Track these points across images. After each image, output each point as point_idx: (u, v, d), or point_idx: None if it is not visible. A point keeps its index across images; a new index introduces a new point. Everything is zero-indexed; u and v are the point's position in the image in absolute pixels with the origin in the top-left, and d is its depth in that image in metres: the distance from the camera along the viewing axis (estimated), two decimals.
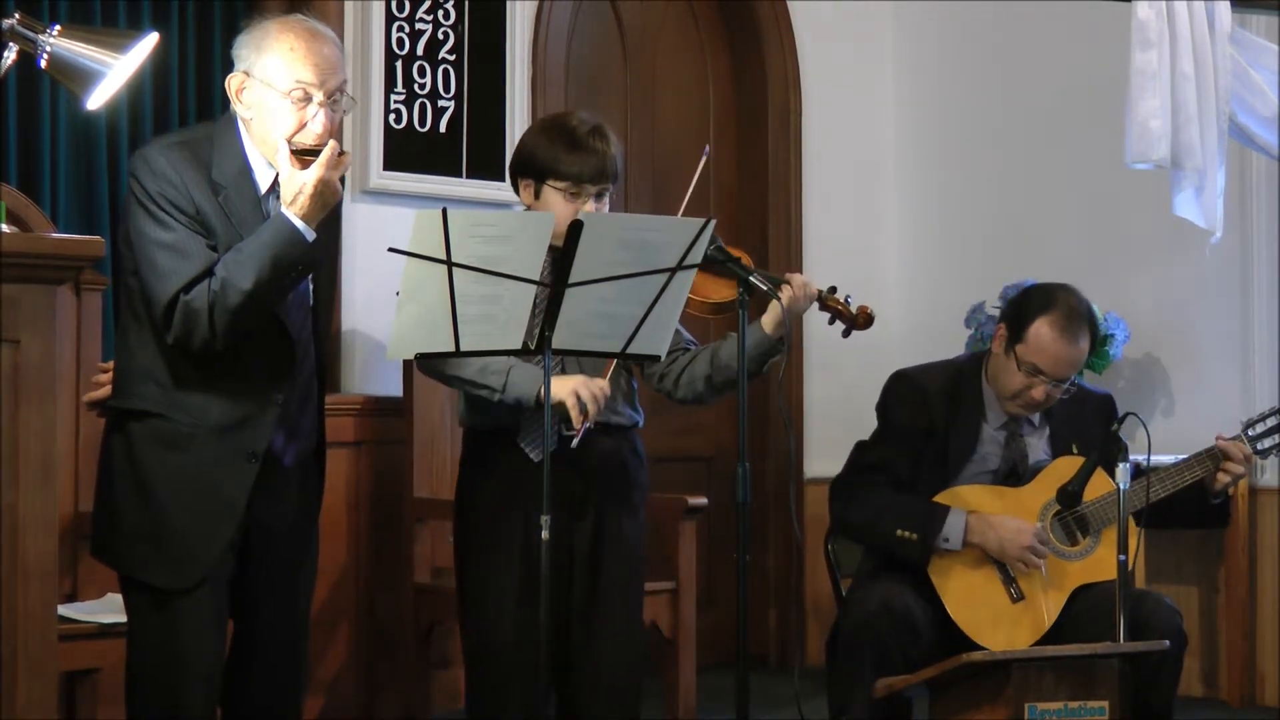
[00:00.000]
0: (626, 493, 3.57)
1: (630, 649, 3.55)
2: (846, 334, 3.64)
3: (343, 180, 3.14)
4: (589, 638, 3.51)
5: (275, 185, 3.16)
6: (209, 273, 3.06)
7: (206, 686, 3.14)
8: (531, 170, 3.53)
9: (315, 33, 3.16)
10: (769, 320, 3.52)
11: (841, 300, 3.61)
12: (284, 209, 3.08)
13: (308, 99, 3.12)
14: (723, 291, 3.49)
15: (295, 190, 3.07)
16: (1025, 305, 4.00)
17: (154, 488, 3.12)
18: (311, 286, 3.25)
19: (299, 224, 3.07)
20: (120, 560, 3.19)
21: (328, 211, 3.13)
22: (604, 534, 3.53)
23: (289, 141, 3.11)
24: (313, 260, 3.14)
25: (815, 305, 3.57)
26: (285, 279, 3.10)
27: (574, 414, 3.36)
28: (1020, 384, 3.95)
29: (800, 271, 4.04)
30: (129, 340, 3.19)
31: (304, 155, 3.10)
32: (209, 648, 3.14)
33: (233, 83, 3.16)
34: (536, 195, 3.52)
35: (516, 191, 3.59)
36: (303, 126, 3.12)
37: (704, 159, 3.61)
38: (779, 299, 3.46)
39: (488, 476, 3.54)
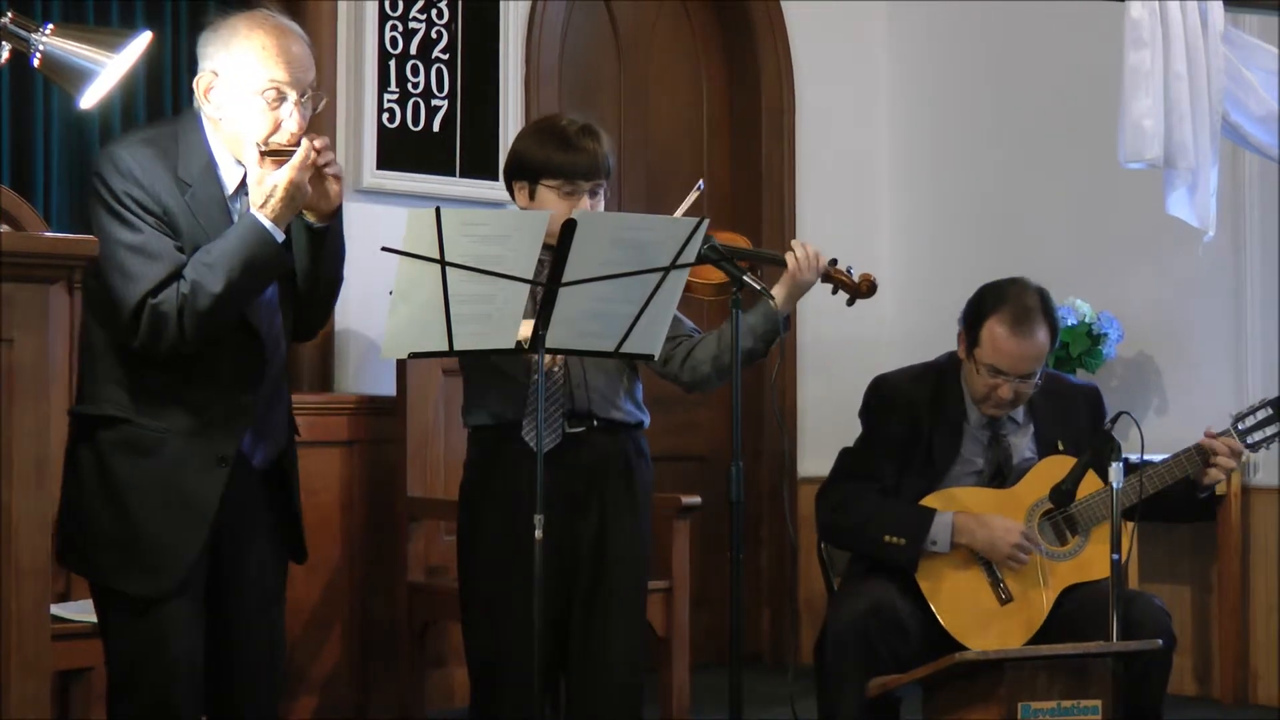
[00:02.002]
0: (630, 491, 3.56)
1: (632, 649, 3.54)
2: (851, 303, 3.67)
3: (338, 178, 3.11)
4: (589, 637, 3.50)
5: (242, 185, 3.11)
6: (177, 275, 3.00)
7: (193, 691, 3.10)
8: (525, 173, 3.52)
9: (285, 30, 3.12)
10: (779, 293, 3.51)
11: (844, 270, 3.63)
12: (254, 211, 3.03)
13: (282, 98, 3.08)
14: (723, 273, 3.49)
15: (266, 192, 3.03)
16: (978, 307, 3.97)
17: (125, 495, 3.05)
18: (278, 285, 3.17)
19: (270, 226, 3.03)
20: (94, 570, 3.12)
21: (296, 213, 3.08)
22: (607, 533, 3.52)
23: (262, 142, 3.05)
24: (284, 262, 3.09)
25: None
26: (257, 281, 3.05)
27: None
28: (985, 386, 3.93)
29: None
30: (92, 345, 3.11)
31: (275, 155, 3.05)
32: (193, 652, 3.09)
33: (201, 82, 3.11)
34: (532, 196, 3.51)
35: (512, 196, 3.58)
36: (278, 126, 3.08)
37: (696, 193, 3.63)
38: (771, 298, 3.47)
39: (491, 476, 3.53)
